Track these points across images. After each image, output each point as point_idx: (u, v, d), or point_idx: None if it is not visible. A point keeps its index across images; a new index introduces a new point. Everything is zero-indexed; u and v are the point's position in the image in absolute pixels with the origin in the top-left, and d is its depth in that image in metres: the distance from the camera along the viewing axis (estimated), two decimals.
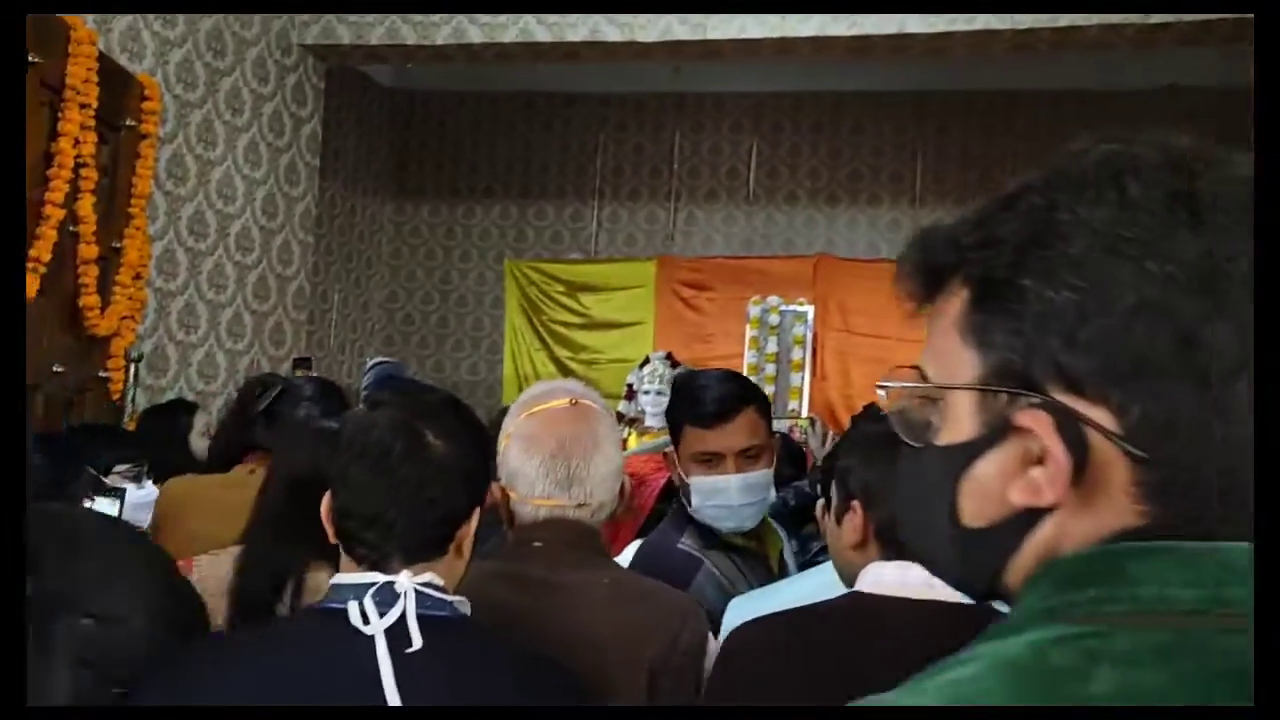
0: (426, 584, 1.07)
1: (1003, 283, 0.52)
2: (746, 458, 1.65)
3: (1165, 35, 4.09)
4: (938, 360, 0.56)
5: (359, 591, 1.06)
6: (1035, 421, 0.50)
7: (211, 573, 1.40)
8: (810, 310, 5.89)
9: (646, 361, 6.26)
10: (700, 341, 6.66)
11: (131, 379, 3.60)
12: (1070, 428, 0.49)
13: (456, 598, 1.10)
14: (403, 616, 1.05)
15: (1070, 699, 0.46)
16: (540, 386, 1.49)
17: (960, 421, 0.54)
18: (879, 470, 1.26)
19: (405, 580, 1.06)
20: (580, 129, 7.21)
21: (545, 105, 7.22)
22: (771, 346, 5.78)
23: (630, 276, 6.93)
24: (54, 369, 3.25)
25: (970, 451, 0.53)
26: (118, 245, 3.49)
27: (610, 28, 4.42)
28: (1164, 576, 0.48)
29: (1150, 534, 0.49)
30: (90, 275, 3.30)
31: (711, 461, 1.65)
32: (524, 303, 7.07)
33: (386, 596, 1.06)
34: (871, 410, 1.45)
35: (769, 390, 5.80)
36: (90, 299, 3.31)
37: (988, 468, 0.52)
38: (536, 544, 1.29)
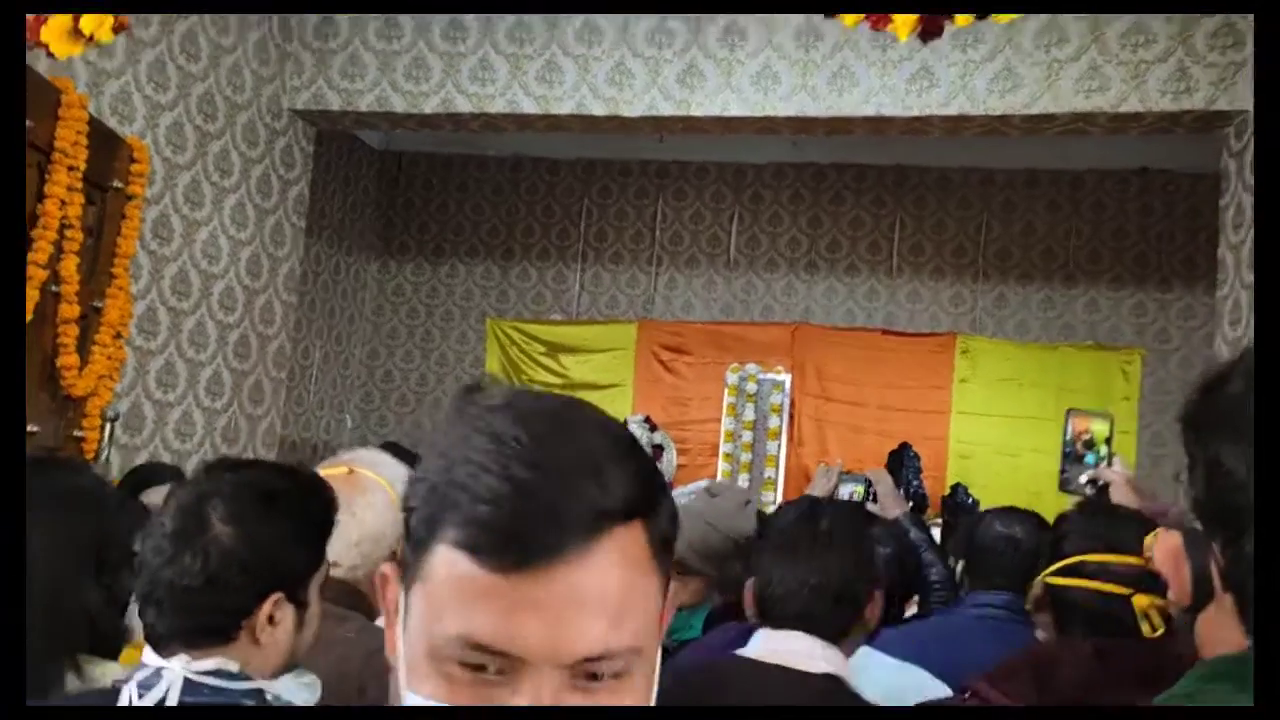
0: (213, 671, 1.06)
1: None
2: (592, 674, 0.62)
3: (1135, 125, 4.22)
4: None
5: (132, 674, 1.08)
6: None
7: None
8: (787, 379, 5.96)
9: (624, 424, 6.29)
10: (678, 405, 6.71)
11: (107, 438, 3.59)
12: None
13: (266, 682, 1.08)
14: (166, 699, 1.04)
15: None
16: (344, 453, 1.64)
17: None
18: (768, 553, 1.58)
19: (176, 666, 1.06)
20: (565, 193, 7.32)
21: (531, 169, 7.33)
22: (749, 414, 5.83)
23: (611, 339, 6.99)
24: (28, 429, 3.24)
25: None
26: (99, 304, 3.50)
27: (595, 102, 4.52)
28: None
29: None
30: (70, 335, 3.31)
31: (486, 669, 0.60)
32: (505, 362, 7.10)
33: (151, 681, 1.06)
34: (800, 502, 1.80)
35: (745, 458, 5.83)
36: (69, 359, 3.31)
37: None
38: None
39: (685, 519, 1.77)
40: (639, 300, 7.22)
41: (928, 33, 1.48)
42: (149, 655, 1.09)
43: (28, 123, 3.04)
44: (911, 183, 6.72)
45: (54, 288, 3.24)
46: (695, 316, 7.04)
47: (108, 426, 3.58)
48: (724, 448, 5.86)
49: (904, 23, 1.38)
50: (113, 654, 1.34)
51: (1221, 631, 0.62)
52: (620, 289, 7.27)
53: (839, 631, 1.50)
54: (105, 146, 3.49)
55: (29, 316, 3.08)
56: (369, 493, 1.52)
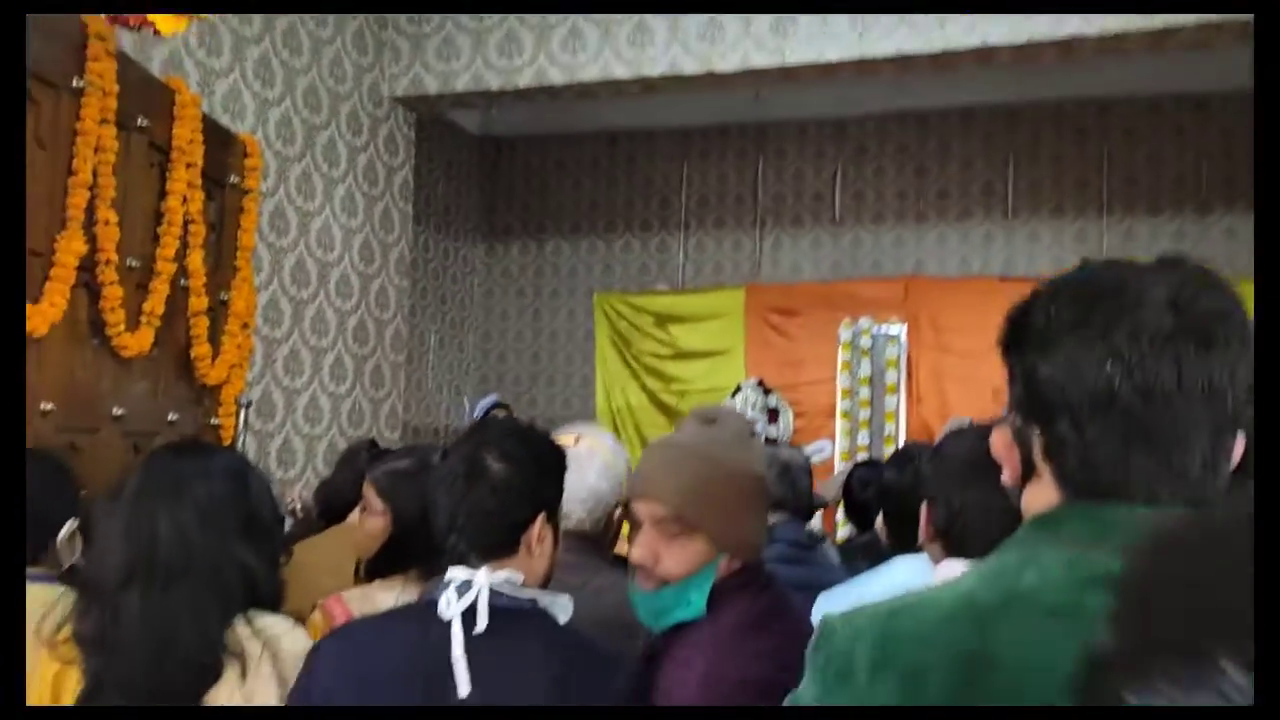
0: (504, 580, 1.32)
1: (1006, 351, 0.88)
2: None
3: None
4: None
5: (445, 586, 1.33)
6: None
7: (361, 608, 1.78)
8: (903, 331, 5.78)
9: (738, 389, 6.23)
10: (791, 367, 6.61)
11: (241, 425, 3.74)
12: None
13: (539, 593, 1.35)
14: (475, 603, 1.30)
15: (1004, 586, 0.79)
16: (567, 426, 1.91)
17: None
18: (946, 483, 1.52)
19: (482, 576, 1.32)
20: (664, 162, 7.28)
21: (628, 141, 7.31)
22: (864, 370, 5.69)
23: (719, 306, 6.93)
24: (169, 419, 3.40)
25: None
26: (225, 297, 3.64)
27: (688, 59, 4.46)
28: (1076, 527, 0.80)
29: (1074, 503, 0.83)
30: (201, 326, 3.45)
31: None
32: (614, 336, 7.12)
33: (465, 589, 1.32)
34: (957, 431, 1.74)
35: (864, 415, 5.70)
36: (202, 349, 3.45)
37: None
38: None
39: (677, 458, 1.43)
40: (745, 265, 7.14)
41: None
42: (457, 570, 1.34)
43: (144, 121, 3.18)
44: (1024, 119, 6.43)
45: (183, 282, 3.38)
46: (804, 277, 6.92)
47: (242, 413, 3.72)
48: (841, 405, 5.74)
49: None
50: (274, 607, 1.55)
51: (1040, 497, 0.84)
52: (725, 255, 7.20)
53: None
54: (219, 144, 3.61)
55: (160, 309, 3.22)
56: (596, 458, 1.83)
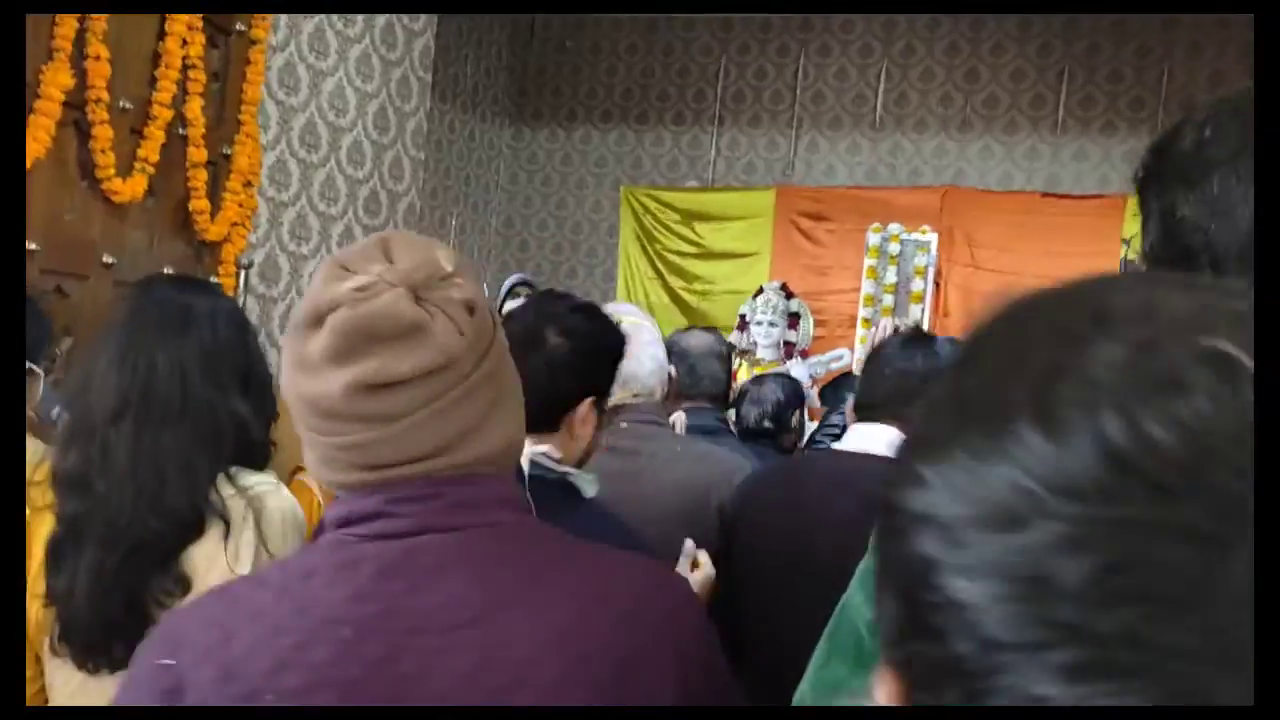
0: (542, 454, 1.31)
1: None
2: None
3: None
4: None
5: None
6: None
7: None
8: (933, 239, 5.58)
9: (760, 292, 6.07)
10: (816, 274, 6.44)
11: (242, 286, 3.66)
12: None
13: (572, 470, 1.35)
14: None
15: None
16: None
17: None
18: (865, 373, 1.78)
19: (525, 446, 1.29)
20: (701, 53, 6.98)
21: (666, 28, 7.01)
22: (890, 277, 5.51)
23: (748, 206, 6.73)
24: (165, 272, 3.32)
25: None
26: (228, 151, 3.52)
27: None
28: None
29: None
30: (200, 179, 3.34)
31: None
32: (639, 231, 6.96)
33: None
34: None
35: (886, 322, 5.56)
36: (200, 203, 3.35)
37: None
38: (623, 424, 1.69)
39: None
40: (778, 165, 6.90)
41: None
42: None
43: None
44: (1083, 29, 6.07)
45: (180, 130, 3.26)
46: (837, 181, 6.69)
47: (242, 274, 3.64)
48: (862, 313, 5.59)
49: None
50: (260, 465, 1.43)
51: None
52: (758, 153, 6.96)
53: None
54: None
55: (155, 157, 3.12)
56: (645, 330, 1.84)
